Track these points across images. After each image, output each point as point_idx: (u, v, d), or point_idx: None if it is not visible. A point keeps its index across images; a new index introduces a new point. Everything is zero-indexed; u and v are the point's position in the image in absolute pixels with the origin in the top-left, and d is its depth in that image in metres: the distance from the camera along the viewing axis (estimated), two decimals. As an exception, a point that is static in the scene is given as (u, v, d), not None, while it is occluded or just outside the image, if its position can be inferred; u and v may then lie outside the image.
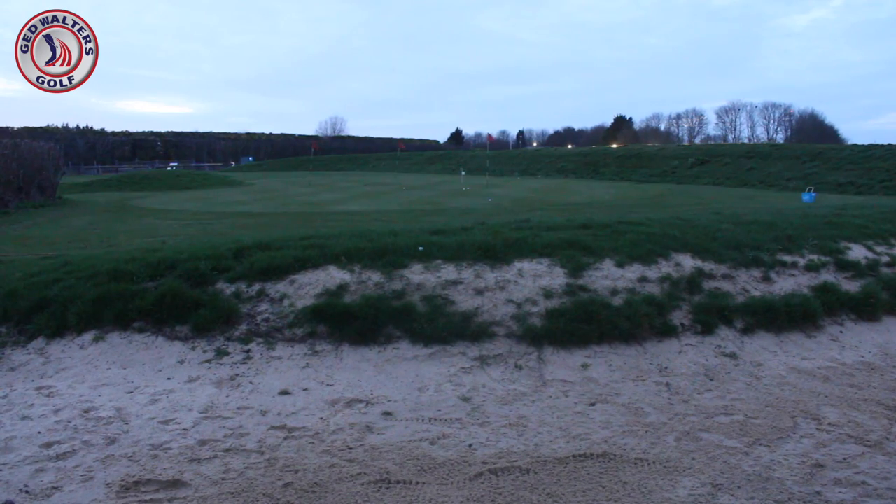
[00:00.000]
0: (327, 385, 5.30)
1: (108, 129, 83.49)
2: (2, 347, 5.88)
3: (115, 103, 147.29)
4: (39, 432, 4.45)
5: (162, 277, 6.62)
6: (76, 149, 70.34)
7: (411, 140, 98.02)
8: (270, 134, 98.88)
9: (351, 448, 4.32)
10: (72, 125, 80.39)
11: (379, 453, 4.25)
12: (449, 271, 6.75)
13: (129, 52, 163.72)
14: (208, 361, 5.64)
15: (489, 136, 53.26)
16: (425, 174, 53.81)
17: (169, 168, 64.36)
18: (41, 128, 71.97)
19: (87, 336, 5.97)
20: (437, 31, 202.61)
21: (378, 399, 5.08)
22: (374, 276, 6.60)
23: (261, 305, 6.30)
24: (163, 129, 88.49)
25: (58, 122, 79.74)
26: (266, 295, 6.41)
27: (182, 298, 6.20)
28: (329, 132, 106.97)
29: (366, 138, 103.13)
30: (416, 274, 6.67)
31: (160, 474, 3.94)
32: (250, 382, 5.32)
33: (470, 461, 4.15)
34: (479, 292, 6.48)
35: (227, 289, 6.47)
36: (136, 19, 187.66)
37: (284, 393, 5.15)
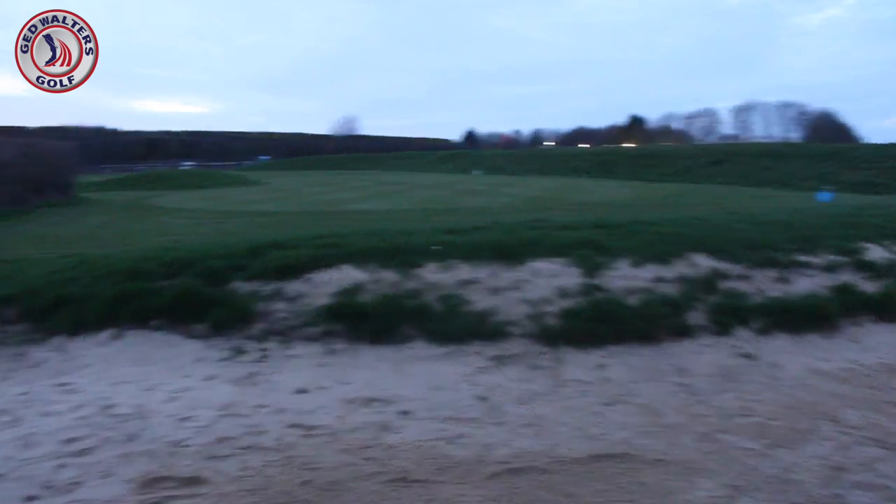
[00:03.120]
0: (344, 384, 5.31)
1: (124, 128, 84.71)
2: (22, 345, 5.95)
3: (130, 103, 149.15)
4: (60, 428, 4.50)
5: (178, 276, 6.66)
6: (92, 148, 71.07)
7: (424, 139, 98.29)
8: (284, 133, 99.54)
9: (368, 447, 4.32)
10: (87, 125, 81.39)
11: (396, 452, 4.25)
12: (464, 271, 6.74)
13: (144, 52, 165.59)
14: (225, 359, 5.68)
15: (503, 135, 53.20)
16: (438, 173, 53.86)
17: (183, 167, 64.85)
18: (57, 127, 72.94)
19: (106, 334, 6.02)
20: (448, 29, 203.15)
21: (394, 398, 5.08)
22: (389, 276, 6.60)
23: (277, 304, 6.33)
24: (178, 129, 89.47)
25: (73, 121, 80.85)
26: (282, 294, 6.44)
27: (198, 297, 6.23)
28: (342, 131, 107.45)
29: (379, 137, 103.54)
30: (431, 273, 6.67)
31: (179, 471, 3.97)
32: (267, 380, 5.34)
33: (487, 460, 4.14)
34: (495, 292, 6.47)
35: (243, 287, 6.50)
36: (151, 19, 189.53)
37: (301, 391, 5.17)
